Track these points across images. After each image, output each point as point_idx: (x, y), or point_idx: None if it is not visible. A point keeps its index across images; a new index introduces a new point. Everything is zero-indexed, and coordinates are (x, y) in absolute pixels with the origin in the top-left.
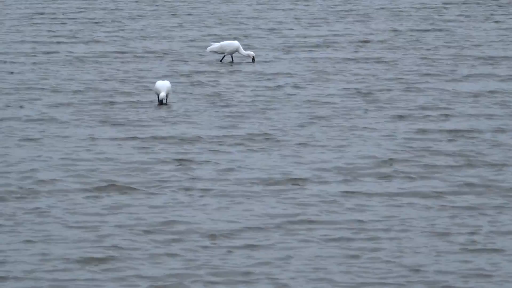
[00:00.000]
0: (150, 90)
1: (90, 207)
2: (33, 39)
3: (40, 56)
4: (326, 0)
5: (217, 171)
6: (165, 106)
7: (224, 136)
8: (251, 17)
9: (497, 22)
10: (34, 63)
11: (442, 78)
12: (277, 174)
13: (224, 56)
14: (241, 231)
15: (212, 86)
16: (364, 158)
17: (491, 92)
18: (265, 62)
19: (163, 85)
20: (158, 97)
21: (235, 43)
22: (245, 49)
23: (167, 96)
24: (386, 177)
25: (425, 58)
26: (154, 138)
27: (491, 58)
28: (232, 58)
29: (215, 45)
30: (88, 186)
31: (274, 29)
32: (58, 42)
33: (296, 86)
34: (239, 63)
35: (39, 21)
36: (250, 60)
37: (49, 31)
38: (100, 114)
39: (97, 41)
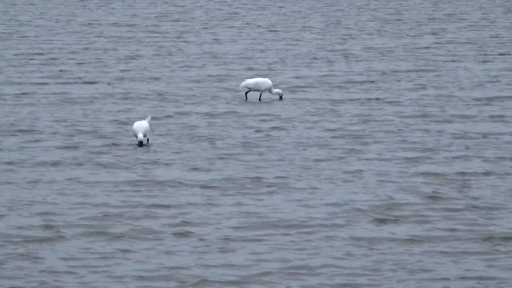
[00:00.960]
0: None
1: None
2: (18, 79)
3: (22, 97)
4: (316, 40)
5: (206, 216)
6: (145, 148)
7: (210, 179)
8: (241, 57)
9: (486, 62)
10: (15, 104)
11: (430, 119)
12: (271, 218)
13: (249, 91)
14: (234, 279)
15: (198, 127)
16: (359, 201)
17: (480, 134)
18: (254, 103)
19: (139, 126)
20: (137, 139)
21: (269, 81)
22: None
23: (145, 136)
24: (386, 220)
25: (417, 99)
26: (132, 181)
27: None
28: (260, 96)
29: (249, 82)
30: (67, 231)
31: (253, 68)
32: (43, 83)
33: (285, 128)
34: (228, 103)
35: (23, 61)
36: (278, 98)
37: (32, 71)
38: (80, 156)
39: (79, 82)
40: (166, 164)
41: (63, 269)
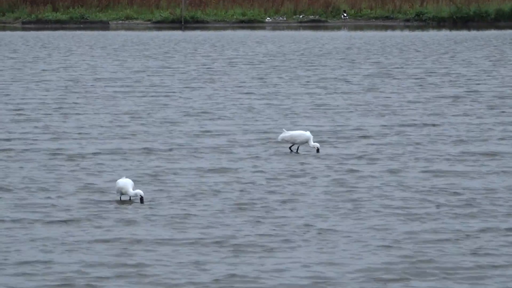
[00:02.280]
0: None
1: None
2: None
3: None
4: (310, 97)
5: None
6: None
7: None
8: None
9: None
10: None
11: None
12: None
13: (293, 145)
14: None
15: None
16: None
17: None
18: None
19: (126, 183)
20: (130, 197)
21: (307, 134)
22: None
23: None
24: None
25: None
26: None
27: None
28: (297, 149)
29: (286, 134)
30: None
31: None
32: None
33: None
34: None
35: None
36: (315, 151)
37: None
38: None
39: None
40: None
41: None
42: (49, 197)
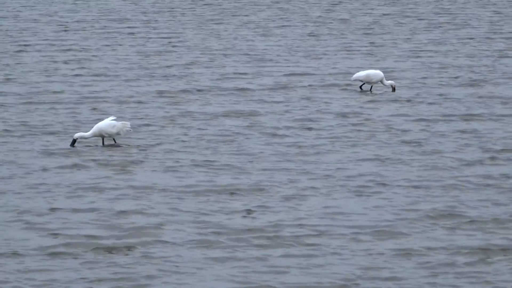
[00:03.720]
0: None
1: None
2: None
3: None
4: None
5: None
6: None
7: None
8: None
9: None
10: None
11: None
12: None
13: (363, 84)
14: None
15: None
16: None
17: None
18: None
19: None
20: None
21: (380, 73)
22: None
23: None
24: None
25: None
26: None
27: None
28: (371, 88)
29: (361, 74)
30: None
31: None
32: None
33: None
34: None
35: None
36: (391, 90)
37: None
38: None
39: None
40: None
41: None
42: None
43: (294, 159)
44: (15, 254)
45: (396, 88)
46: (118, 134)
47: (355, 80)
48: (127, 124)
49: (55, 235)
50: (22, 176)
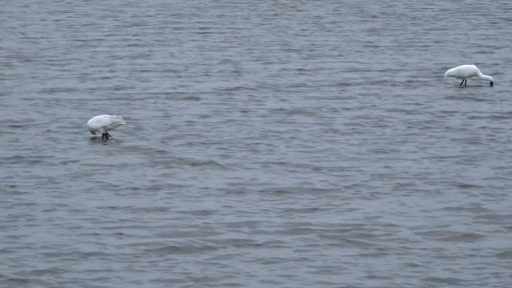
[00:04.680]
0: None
1: None
2: None
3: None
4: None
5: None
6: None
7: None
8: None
9: None
10: None
11: None
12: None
13: (464, 80)
14: None
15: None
16: None
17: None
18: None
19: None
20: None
21: (473, 67)
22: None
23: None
24: None
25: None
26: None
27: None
28: (465, 82)
29: (452, 70)
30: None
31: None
32: None
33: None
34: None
35: None
36: (488, 84)
37: None
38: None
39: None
40: None
41: None
42: None
43: (368, 157)
44: (93, 254)
45: (494, 83)
46: (109, 129)
47: (449, 76)
48: (120, 119)
49: (131, 236)
50: (93, 174)
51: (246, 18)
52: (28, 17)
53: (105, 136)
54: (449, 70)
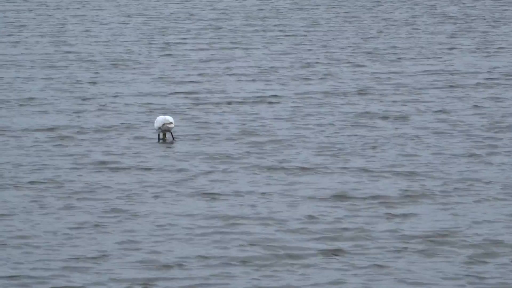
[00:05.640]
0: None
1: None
2: None
3: None
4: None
5: None
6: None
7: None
8: None
9: None
10: None
11: None
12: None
13: None
14: None
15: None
16: None
17: None
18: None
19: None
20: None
21: None
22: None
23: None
24: None
25: None
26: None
27: None
28: None
29: None
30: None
31: None
32: None
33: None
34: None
35: None
36: None
37: None
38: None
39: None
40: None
41: None
42: None
43: (457, 161)
44: (214, 258)
45: None
46: (166, 130)
47: None
48: (170, 120)
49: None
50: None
51: (328, 19)
52: (104, 21)
53: (165, 137)
54: None
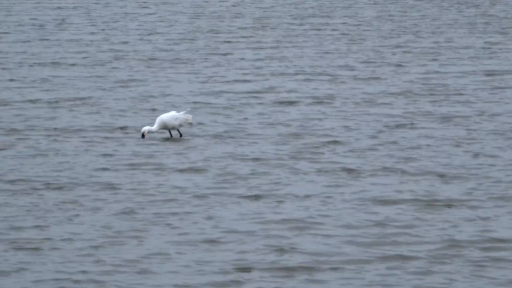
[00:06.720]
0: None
1: None
2: None
3: None
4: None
5: None
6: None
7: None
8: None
9: None
10: None
11: None
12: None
13: None
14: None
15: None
16: None
17: None
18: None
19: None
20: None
21: None
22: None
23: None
24: None
25: None
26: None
27: None
28: None
29: None
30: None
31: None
32: None
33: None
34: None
35: None
36: None
37: None
38: None
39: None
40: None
41: None
42: None
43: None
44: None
45: None
46: (181, 126)
47: None
48: (190, 117)
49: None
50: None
51: (376, 18)
52: (148, 19)
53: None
54: None
